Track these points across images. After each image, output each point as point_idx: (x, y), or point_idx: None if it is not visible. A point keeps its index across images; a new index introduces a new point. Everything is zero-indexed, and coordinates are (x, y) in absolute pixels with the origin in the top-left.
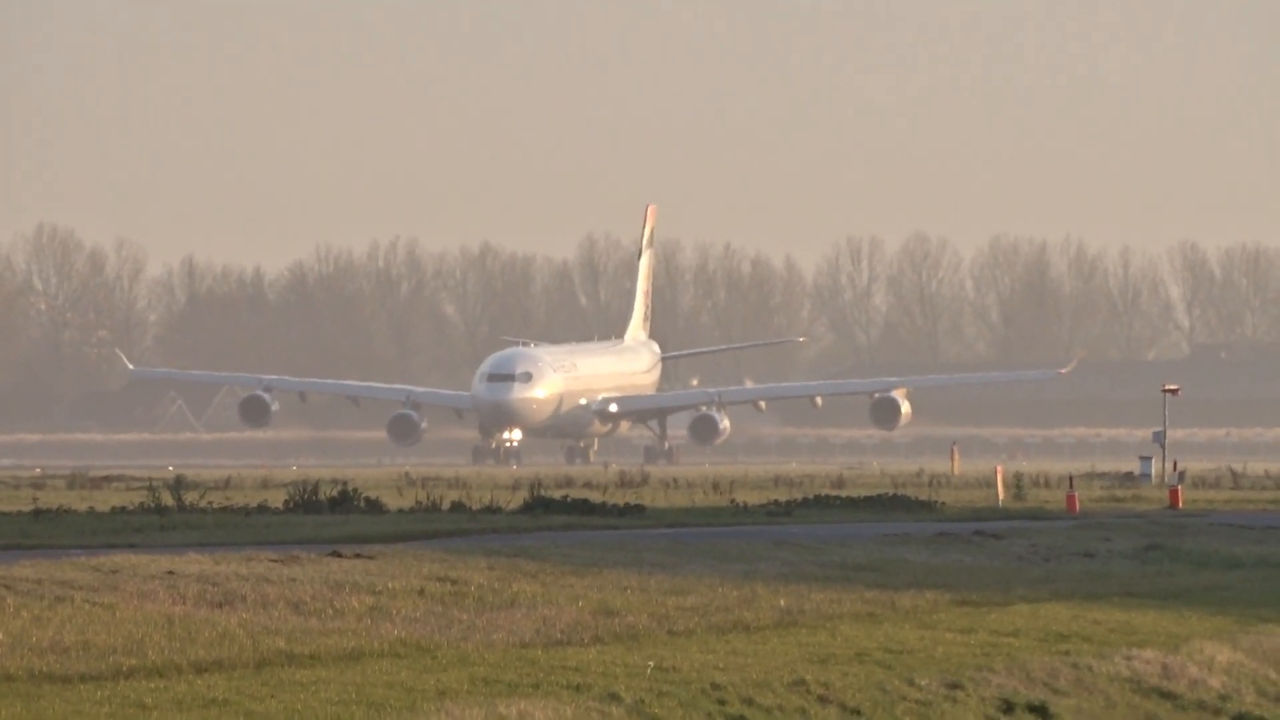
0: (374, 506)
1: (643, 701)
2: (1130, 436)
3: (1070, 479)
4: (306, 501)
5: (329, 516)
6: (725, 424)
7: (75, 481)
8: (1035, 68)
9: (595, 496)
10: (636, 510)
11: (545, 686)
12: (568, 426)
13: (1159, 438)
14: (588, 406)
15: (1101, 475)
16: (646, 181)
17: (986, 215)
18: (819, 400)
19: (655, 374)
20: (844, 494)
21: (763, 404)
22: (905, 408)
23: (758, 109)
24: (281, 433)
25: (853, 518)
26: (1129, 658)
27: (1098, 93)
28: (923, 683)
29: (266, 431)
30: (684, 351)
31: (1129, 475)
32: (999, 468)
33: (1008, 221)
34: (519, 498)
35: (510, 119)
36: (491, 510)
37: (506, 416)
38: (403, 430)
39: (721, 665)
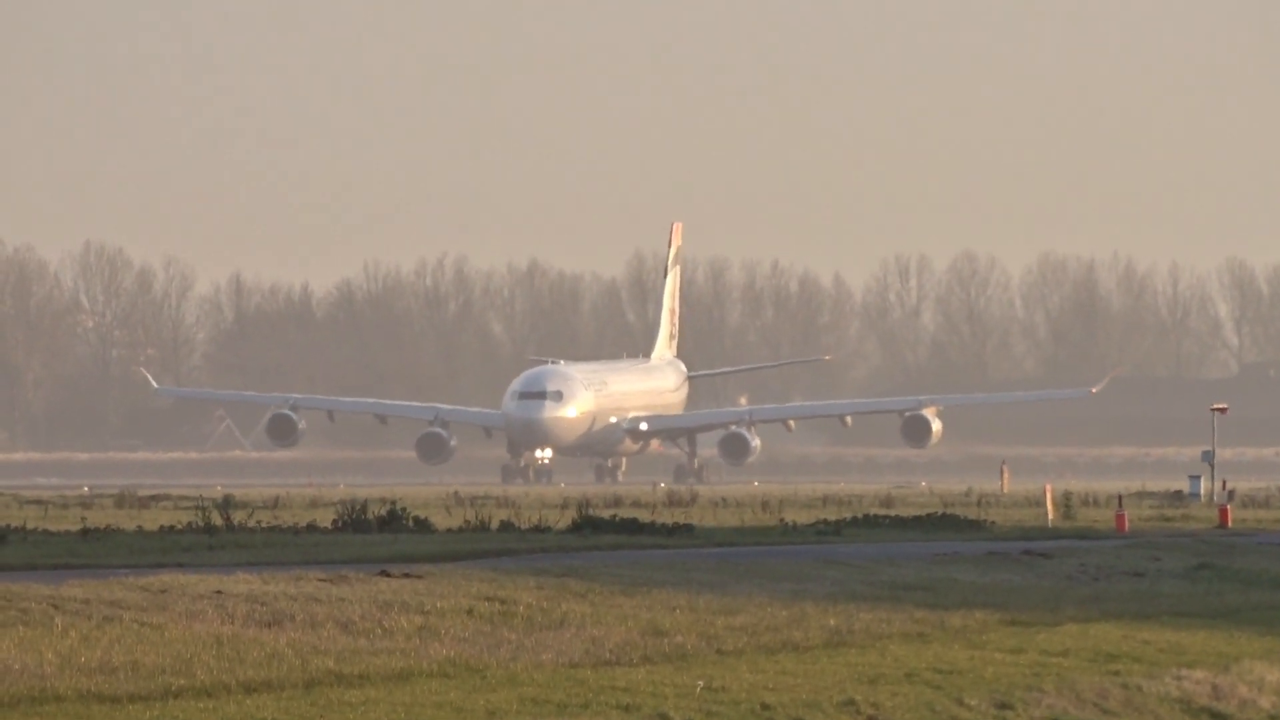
0: (422, 526)
1: None
2: (1179, 455)
3: (1119, 498)
4: (355, 521)
5: (378, 536)
6: (756, 442)
7: (123, 500)
8: (1083, 86)
9: (644, 516)
10: (685, 530)
11: (594, 707)
12: (598, 445)
13: (1208, 457)
14: (618, 425)
15: (1151, 494)
16: (694, 199)
17: (1035, 233)
18: (849, 419)
19: (683, 393)
20: (893, 513)
21: (792, 423)
22: (936, 425)
23: (806, 127)
24: (309, 452)
25: (902, 537)
26: (1179, 678)
27: (1147, 110)
28: (972, 703)
29: (293, 451)
30: (712, 371)
31: (1178, 494)
32: (1048, 487)
33: (1056, 239)
34: (567, 517)
35: (559, 137)
36: (540, 530)
37: (538, 435)
38: (432, 449)
39: (771, 685)
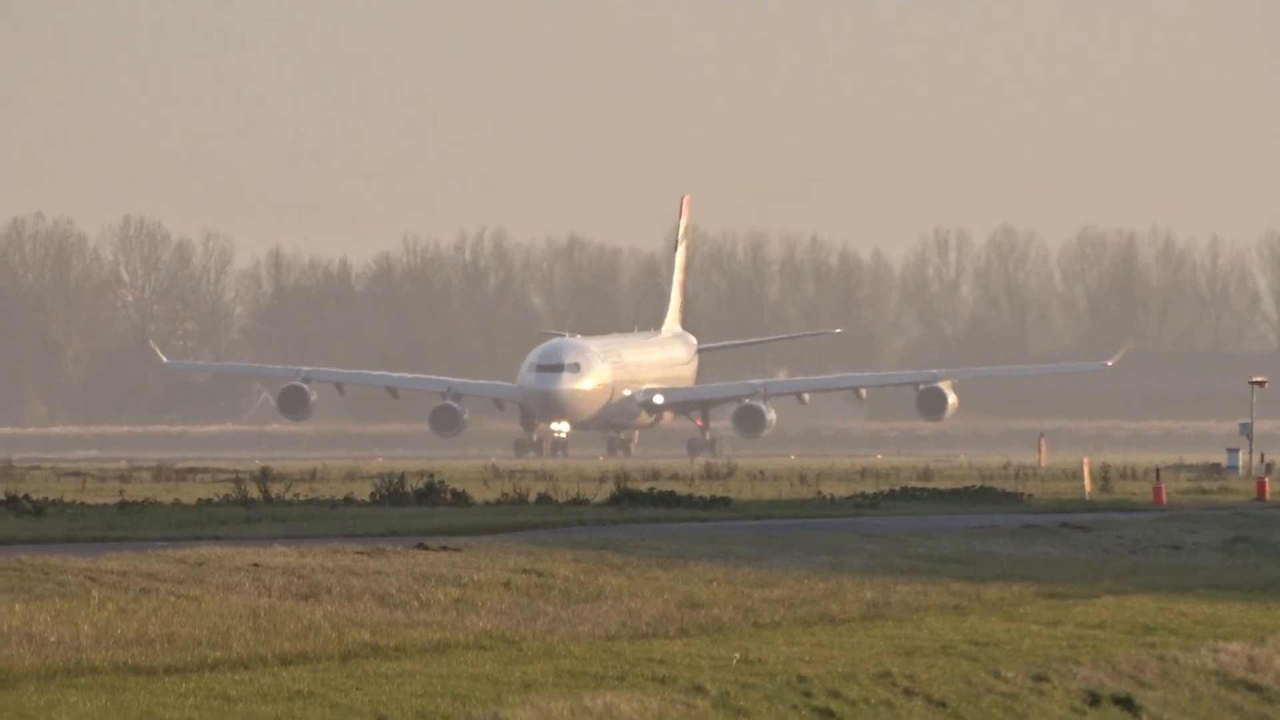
0: (460, 499)
1: (728, 694)
2: (1217, 429)
3: (1157, 471)
4: (393, 494)
5: (415, 509)
6: (772, 415)
7: (161, 473)
8: (1122, 58)
9: (681, 489)
10: (723, 503)
11: (630, 679)
12: (614, 418)
13: (1246, 430)
14: (633, 398)
15: (1188, 467)
16: (733, 172)
17: (1074, 207)
18: (863, 392)
19: (694, 365)
20: (931, 486)
21: (806, 396)
22: (952, 399)
23: (847, 101)
24: (320, 425)
25: (939, 510)
26: (1215, 650)
27: (1186, 82)
28: (1008, 675)
29: (304, 424)
30: (720, 344)
31: (1216, 467)
32: (1086, 460)
33: (1095, 213)
34: (605, 490)
35: (598, 109)
36: (578, 503)
37: (555, 407)
38: (445, 422)
39: (807, 658)
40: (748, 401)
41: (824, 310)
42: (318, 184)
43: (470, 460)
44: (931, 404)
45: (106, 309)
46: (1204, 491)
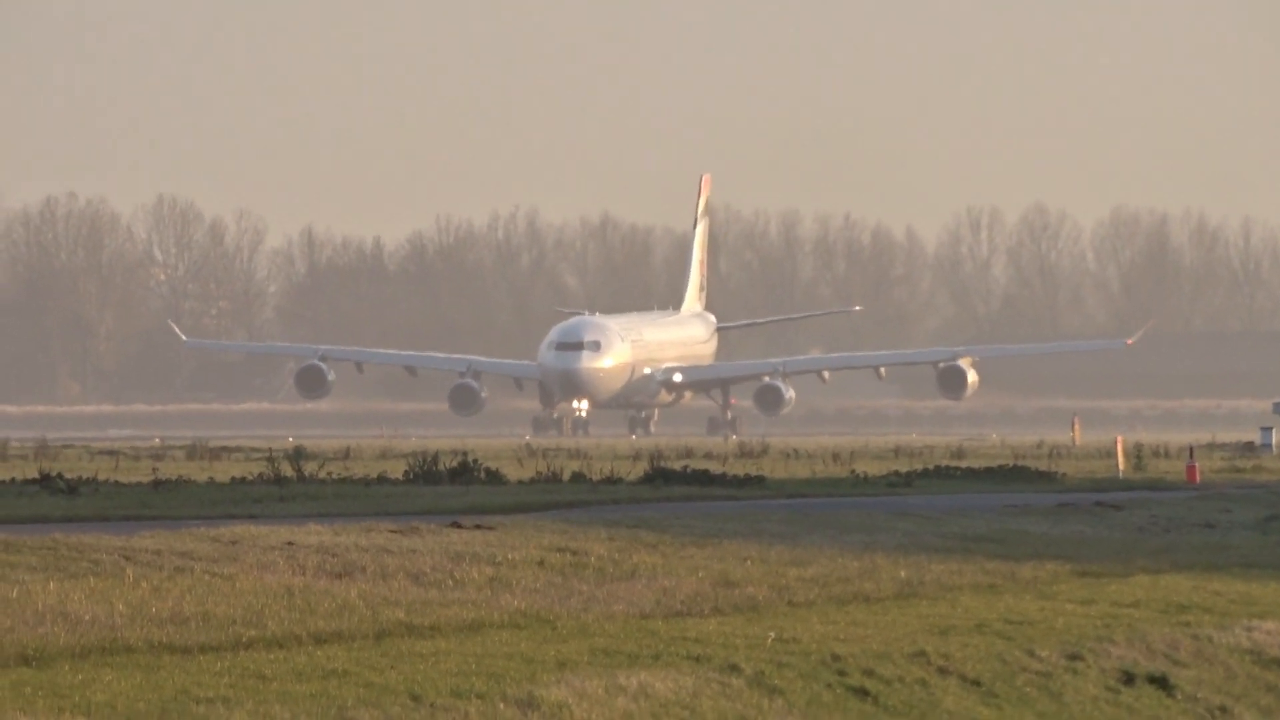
0: (494, 477)
1: (763, 673)
2: (1251, 408)
3: (1190, 450)
4: (426, 472)
5: (449, 487)
6: (791, 394)
7: (194, 452)
8: (1155, 38)
9: (715, 467)
10: (757, 481)
11: (665, 658)
12: (634, 396)
13: (1279, 408)
14: (652, 376)
15: (1222, 446)
16: (765, 151)
17: (1107, 186)
18: (883, 371)
19: (713, 344)
20: (964, 465)
21: (826, 374)
22: (972, 376)
23: (880, 80)
24: (337, 404)
25: (973, 488)
26: (1249, 629)
27: (1218, 62)
28: (1043, 654)
29: (322, 403)
30: (739, 323)
31: (1249, 446)
32: (1119, 438)
33: (1128, 192)
34: (639, 469)
35: (629, 88)
36: (612, 481)
37: (575, 386)
38: (464, 401)
39: (842, 636)
40: (767, 380)
41: (856, 289)
42: (350, 163)
43: (503, 439)
44: (951, 382)
45: (139, 288)
46: (1237, 470)
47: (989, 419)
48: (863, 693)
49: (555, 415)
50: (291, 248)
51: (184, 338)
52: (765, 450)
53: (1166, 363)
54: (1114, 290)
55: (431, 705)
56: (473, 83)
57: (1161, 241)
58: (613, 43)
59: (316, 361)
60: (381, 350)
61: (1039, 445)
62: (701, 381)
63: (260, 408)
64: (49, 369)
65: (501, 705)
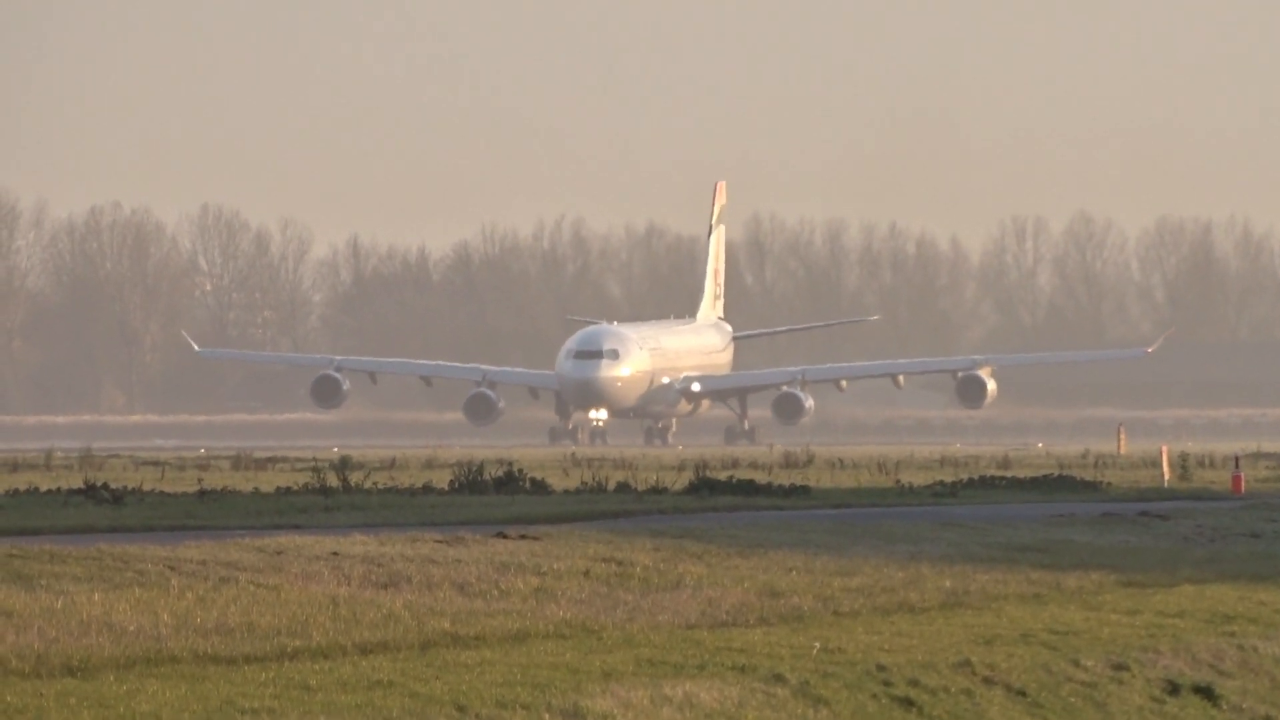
0: (539, 487)
1: (808, 683)
2: None
3: (1236, 459)
4: (472, 482)
5: (494, 497)
6: (810, 403)
7: (240, 462)
8: (1199, 47)
9: (760, 477)
10: (802, 491)
11: (710, 668)
12: (653, 406)
13: None
14: (671, 385)
15: (1267, 455)
16: (810, 160)
17: (1151, 195)
18: (901, 380)
19: (729, 353)
20: (1009, 475)
21: (844, 383)
22: (991, 385)
23: (922, 89)
24: (351, 414)
25: (1018, 498)
26: None
27: (1263, 71)
28: (1088, 664)
29: (336, 413)
30: (755, 332)
31: None
32: (1164, 448)
33: (1173, 201)
34: (684, 478)
35: (675, 98)
36: (657, 491)
37: (594, 395)
38: (480, 410)
39: (887, 646)
40: (785, 389)
41: (902, 298)
42: (396, 172)
43: (548, 449)
44: (971, 391)
45: (185, 297)
46: None
47: (1033, 429)
48: (908, 703)
49: (570, 426)
50: (337, 257)
51: (197, 348)
52: (810, 460)
53: (1212, 371)
54: (1159, 299)
55: (476, 716)
56: (519, 92)
57: (1206, 250)
58: (658, 53)
59: (331, 372)
60: (396, 359)
61: (1084, 455)
62: (720, 391)
63: (304, 418)
64: (94, 379)
65: (546, 716)
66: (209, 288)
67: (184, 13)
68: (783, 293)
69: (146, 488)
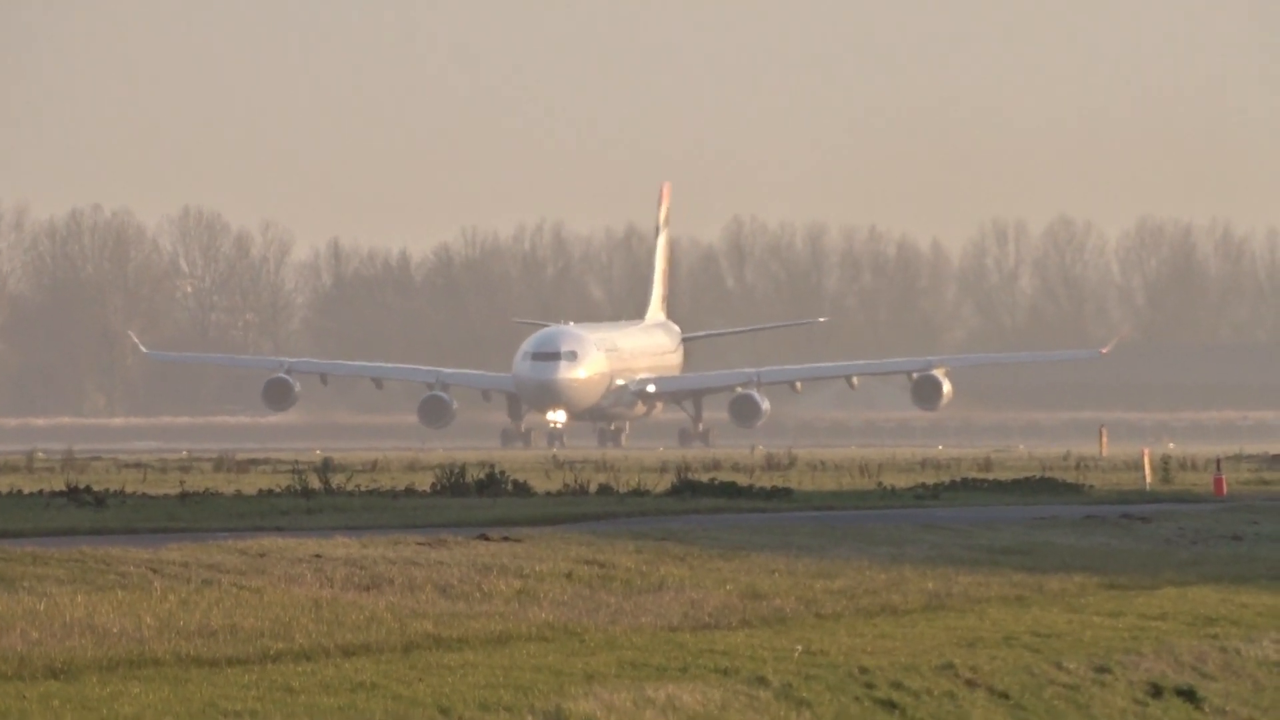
0: (521, 489)
1: (790, 685)
2: (1277, 420)
3: (1218, 462)
4: (454, 484)
5: (476, 499)
6: (766, 405)
7: (222, 464)
8: (1180, 50)
9: (742, 479)
10: (784, 493)
11: (693, 670)
12: (610, 408)
13: None
14: (626, 387)
15: (1249, 458)
16: (791, 163)
17: (1132, 197)
18: (855, 381)
19: (680, 354)
20: (991, 477)
21: (799, 385)
22: (947, 387)
23: (903, 93)
24: (303, 416)
25: (1000, 500)
26: (1277, 641)
27: (1243, 74)
28: (1070, 666)
29: (287, 415)
30: (706, 333)
31: (1277, 458)
32: (1146, 450)
33: (1153, 204)
34: (666, 481)
35: (655, 101)
36: (639, 493)
37: (551, 396)
38: (434, 413)
39: (869, 649)
40: (741, 391)
41: (882, 301)
42: (377, 174)
43: (530, 451)
44: (926, 392)
45: (165, 300)
46: (1265, 482)
47: (1014, 431)
48: (890, 705)
49: (524, 428)
50: (318, 259)
51: (144, 349)
52: (792, 462)
53: (1193, 374)
54: (1139, 302)
55: (459, 718)
56: (499, 95)
57: (1187, 252)
58: (639, 56)
59: (283, 375)
60: (348, 362)
61: (1066, 457)
62: (675, 392)
63: (287, 420)
64: (75, 381)
65: (529, 718)
66: (190, 290)
67: (166, 15)
68: (763, 295)
69: (129, 490)
